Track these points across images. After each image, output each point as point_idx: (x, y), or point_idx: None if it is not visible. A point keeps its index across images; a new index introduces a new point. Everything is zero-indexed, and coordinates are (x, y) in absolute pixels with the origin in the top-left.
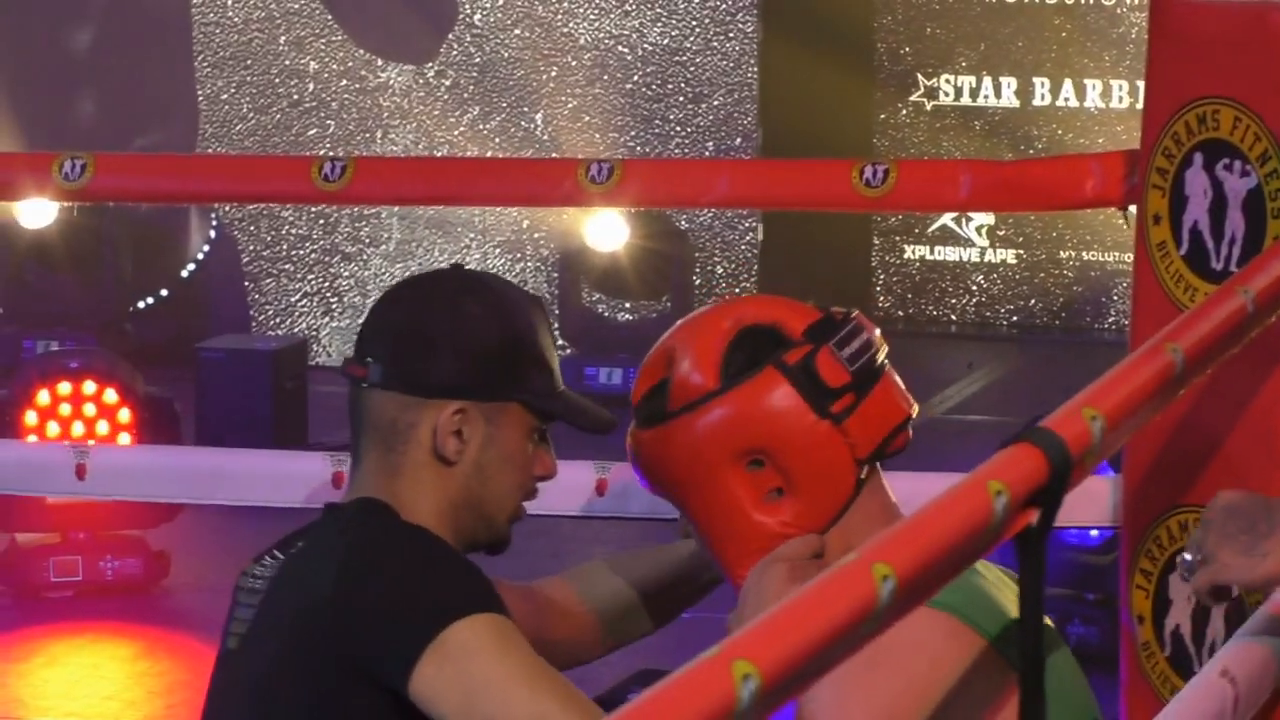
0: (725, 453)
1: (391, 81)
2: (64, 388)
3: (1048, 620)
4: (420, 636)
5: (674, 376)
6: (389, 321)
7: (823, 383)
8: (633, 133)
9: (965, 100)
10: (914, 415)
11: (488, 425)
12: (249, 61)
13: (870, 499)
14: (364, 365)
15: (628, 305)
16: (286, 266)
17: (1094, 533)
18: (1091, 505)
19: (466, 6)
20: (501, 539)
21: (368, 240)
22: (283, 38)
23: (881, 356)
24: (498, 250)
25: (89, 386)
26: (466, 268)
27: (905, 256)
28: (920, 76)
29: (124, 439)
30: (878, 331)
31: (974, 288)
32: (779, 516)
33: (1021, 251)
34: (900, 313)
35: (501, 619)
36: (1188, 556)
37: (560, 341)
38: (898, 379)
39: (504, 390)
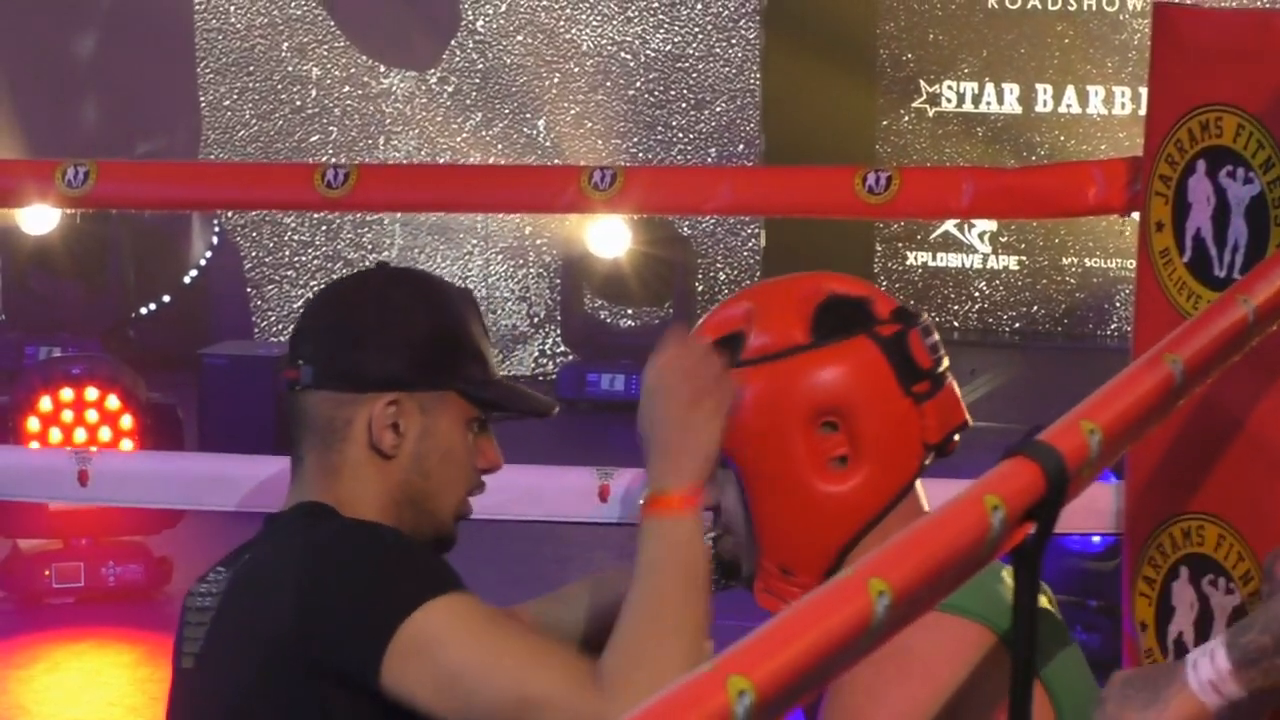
0: (803, 407)
1: (394, 88)
2: (66, 394)
3: (1058, 614)
4: (380, 633)
5: (754, 328)
6: (318, 322)
7: (913, 361)
8: (635, 139)
9: (968, 107)
10: (970, 425)
11: (423, 416)
12: (251, 68)
13: (914, 503)
14: (296, 368)
15: (630, 311)
16: (289, 273)
17: (1096, 539)
18: (1094, 512)
19: (469, 13)
20: (447, 535)
21: (370, 247)
22: (285, 44)
23: (947, 362)
24: (500, 256)
25: (91, 393)
26: (393, 265)
27: (908, 263)
28: (923, 83)
29: (126, 445)
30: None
31: (976, 294)
32: (837, 485)
33: (1024, 258)
34: None
35: (458, 598)
36: None
37: (562, 348)
38: (958, 386)
39: (437, 379)
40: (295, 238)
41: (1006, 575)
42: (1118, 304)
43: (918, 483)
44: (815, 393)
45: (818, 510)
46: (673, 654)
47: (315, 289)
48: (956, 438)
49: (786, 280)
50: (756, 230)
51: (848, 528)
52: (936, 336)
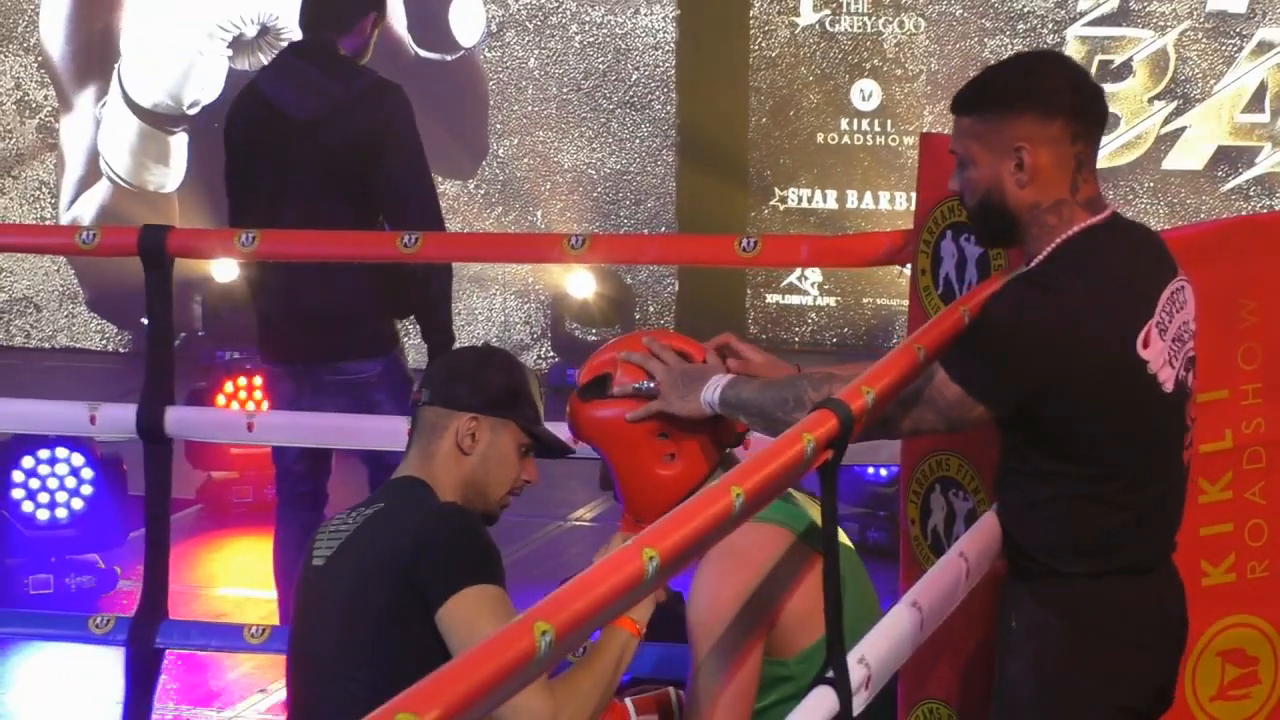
0: (647, 426)
1: (446, 190)
2: (241, 381)
3: (844, 537)
4: (461, 582)
5: (619, 371)
6: (440, 367)
7: None
8: (597, 224)
9: (804, 205)
10: (749, 431)
11: (491, 433)
12: None
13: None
14: (420, 393)
15: (594, 331)
16: None
17: (884, 473)
18: (883, 450)
19: (494, 144)
20: (493, 516)
21: None
22: None
23: None
24: (513, 295)
25: (257, 379)
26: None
27: (766, 301)
28: (776, 189)
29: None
30: None
31: (809, 321)
32: (669, 471)
33: (839, 298)
34: (764, 337)
35: (498, 591)
36: (650, 384)
37: (552, 354)
38: None
39: (504, 412)
40: None
41: (796, 493)
42: (897, 326)
43: (737, 452)
44: (655, 417)
45: (658, 486)
46: (594, 705)
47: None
48: (747, 436)
49: (636, 337)
50: (673, 281)
51: (675, 496)
52: None
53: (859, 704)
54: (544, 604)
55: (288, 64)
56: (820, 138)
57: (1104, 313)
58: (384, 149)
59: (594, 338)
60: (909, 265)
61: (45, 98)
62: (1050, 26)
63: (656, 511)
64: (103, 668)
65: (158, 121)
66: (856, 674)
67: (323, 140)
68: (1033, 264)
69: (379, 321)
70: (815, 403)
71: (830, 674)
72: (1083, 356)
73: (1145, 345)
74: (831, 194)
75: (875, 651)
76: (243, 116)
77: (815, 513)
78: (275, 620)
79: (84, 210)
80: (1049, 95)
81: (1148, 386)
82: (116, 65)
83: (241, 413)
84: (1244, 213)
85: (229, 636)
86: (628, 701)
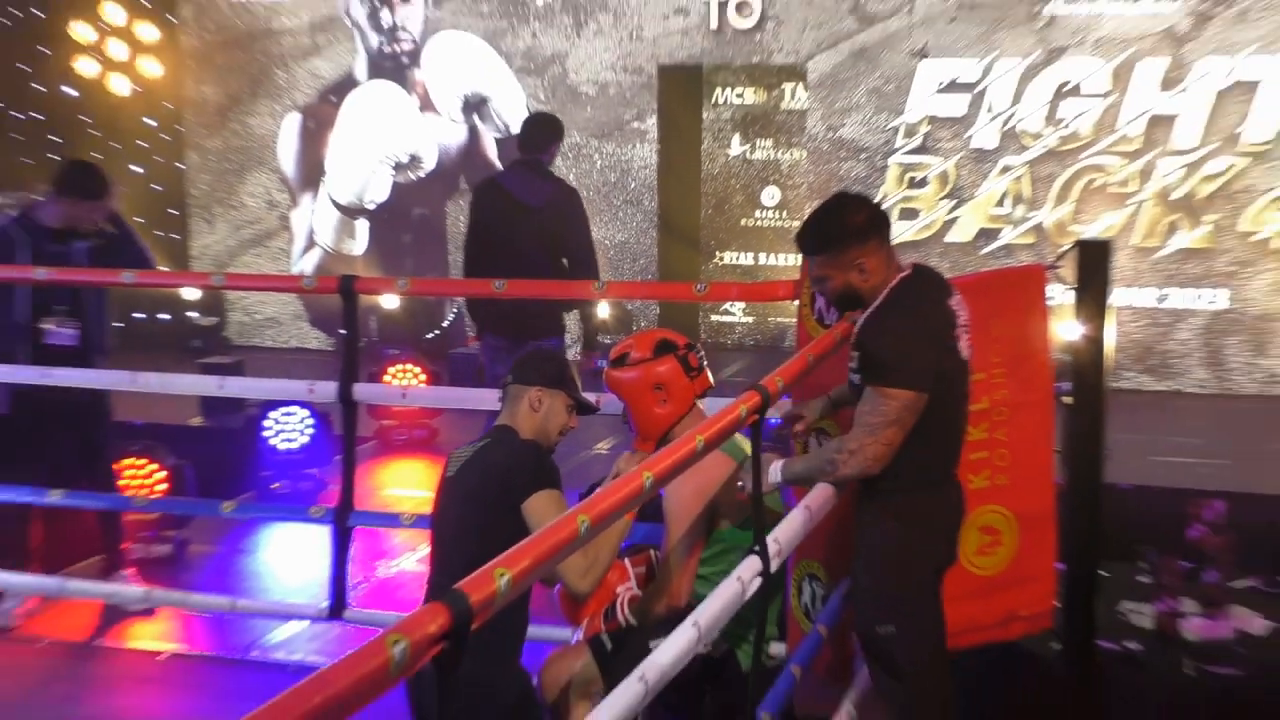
0: (648, 383)
1: None
2: (399, 367)
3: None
4: (538, 486)
5: (633, 352)
6: (519, 362)
7: (690, 365)
8: (611, 275)
9: (734, 262)
10: (713, 386)
11: (550, 399)
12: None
13: (698, 414)
14: (510, 378)
15: (609, 336)
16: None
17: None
18: (777, 410)
19: None
20: (551, 448)
21: None
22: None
23: (706, 363)
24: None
25: (409, 367)
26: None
27: (711, 318)
28: (718, 251)
29: (422, 388)
30: (703, 353)
31: (736, 330)
32: (662, 409)
33: (755, 317)
34: (709, 341)
35: (560, 495)
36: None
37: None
38: (710, 372)
39: (557, 386)
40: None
41: (736, 436)
42: (789, 334)
43: (700, 405)
44: (653, 377)
45: (654, 419)
46: (607, 560)
47: None
48: (709, 391)
49: (647, 331)
50: (656, 306)
51: (665, 425)
52: (702, 353)
53: (774, 565)
54: (583, 504)
55: (517, 170)
56: (744, 222)
57: (940, 320)
58: (572, 228)
59: (608, 340)
60: (797, 300)
61: (282, 199)
62: (880, 155)
63: (654, 434)
64: (318, 539)
65: (349, 213)
66: (772, 549)
67: (540, 219)
68: (877, 302)
69: (560, 314)
70: (838, 463)
71: (757, 548)
72: (942, 347)
73: (961, 338)
74: (750, 255)
75: (784, 535)
76: (487, 200)
77: (746, 445)
78: (422, 509)
79: (305, 265)
80: (863, 226)
81: (962, 367)
82: (323, 178)
83: (399, 387)
84: (993, 267)
85: (392, 520)
86: (625, 560)
